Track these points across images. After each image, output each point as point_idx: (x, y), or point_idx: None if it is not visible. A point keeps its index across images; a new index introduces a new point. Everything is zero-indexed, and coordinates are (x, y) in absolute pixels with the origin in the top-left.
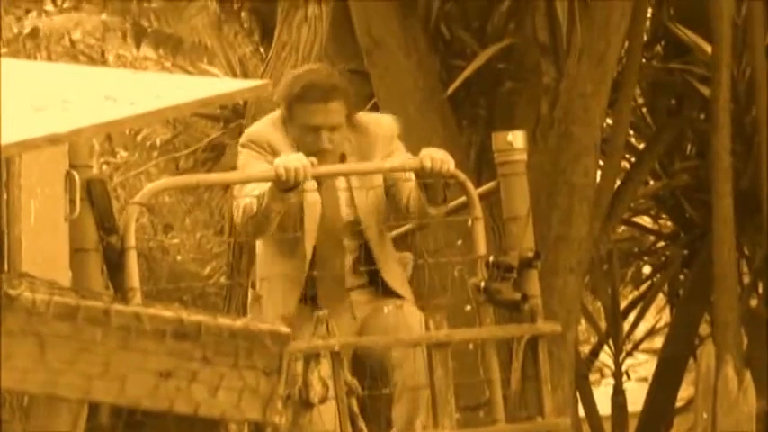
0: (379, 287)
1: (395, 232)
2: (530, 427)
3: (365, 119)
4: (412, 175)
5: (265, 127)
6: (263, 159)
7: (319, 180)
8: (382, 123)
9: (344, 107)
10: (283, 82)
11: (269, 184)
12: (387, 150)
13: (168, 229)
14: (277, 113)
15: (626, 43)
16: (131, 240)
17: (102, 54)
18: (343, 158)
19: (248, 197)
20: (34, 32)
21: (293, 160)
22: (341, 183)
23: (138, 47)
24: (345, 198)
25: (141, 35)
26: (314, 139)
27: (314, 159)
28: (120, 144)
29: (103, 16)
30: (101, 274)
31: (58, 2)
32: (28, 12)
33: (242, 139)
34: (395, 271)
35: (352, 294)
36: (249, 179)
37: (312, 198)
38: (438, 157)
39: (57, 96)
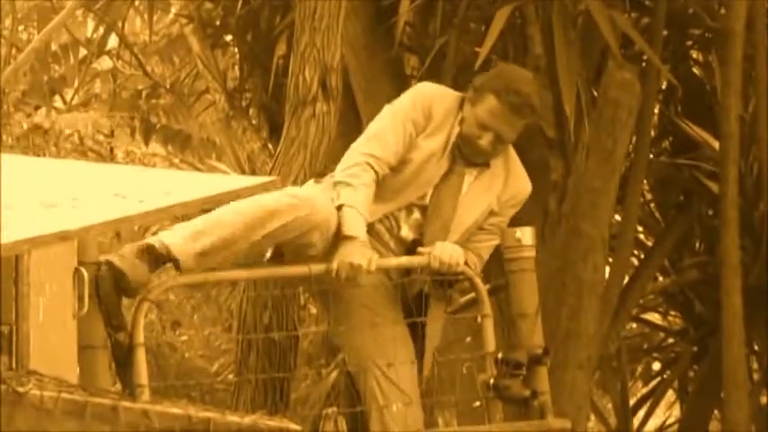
0: None
1: None
2: None
3: (517, 162)
4: None
5: (443, 92)
6: (412, 121)
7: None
8: (522, 181)
9: (523, 128)
10: (500, 71)
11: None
12: (501, 204)
13: (176, 325)
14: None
15: (633, 139)
16: (140, 337)
17: (111, 150)
18: (484, 166)
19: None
20: (43, 129)
21: (359, 256)
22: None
23: (146, 143)
24: None
25: (150, 131)
26: (482, 135)
27: (376, 256)
28: (128, 240)
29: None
30: (109, 370)
31: (68, 99)
32: (37, 108)
33: (417, 86)
34: None
35: None
36: (275, 273)
37: None
38: (446, 257)
39: (66, 193)
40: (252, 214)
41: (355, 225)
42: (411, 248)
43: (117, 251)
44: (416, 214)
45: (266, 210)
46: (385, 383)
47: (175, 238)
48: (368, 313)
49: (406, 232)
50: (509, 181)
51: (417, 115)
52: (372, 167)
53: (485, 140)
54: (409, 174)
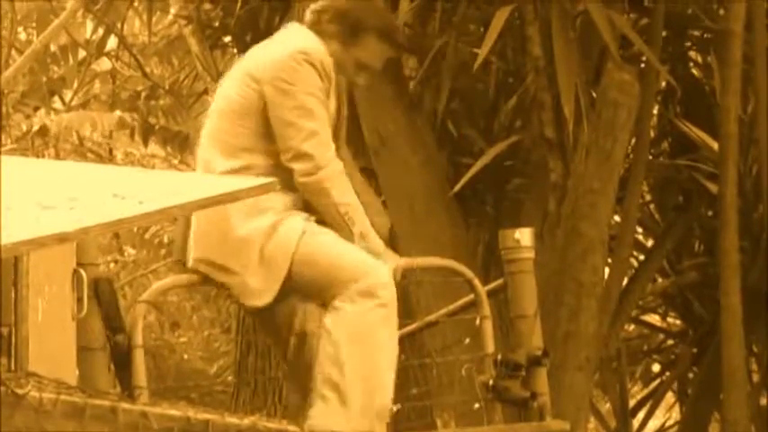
0: None
1: (403, 330)
2: None
3: None
4: None
5: (320, 47)
6: (322, 87)
7: None
8: None
9: None
10: (370, 7)
11: None
12: None
13: (175, 327)
14: (310, 32)
15: (633, 140)
16: (139, 339)
17: (111, 151)
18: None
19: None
20: (43, 130)
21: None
22: None
23: (145, 144)
24: None
25: (149, 132)
26: (360, 75)
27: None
28: (127, 242)
29: (111, 114)
30: (108, 372)
31: (67, 100)
32: (36, 110)
33: (302, 54)
34: None
35: None
36: None
37: None
38: None
39: (64, 194)
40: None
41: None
42: None
43: None
44: None
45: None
46: None
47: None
48: None
49: None
50: None
51: (322, 86)
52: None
53: (362, 79)
54: None
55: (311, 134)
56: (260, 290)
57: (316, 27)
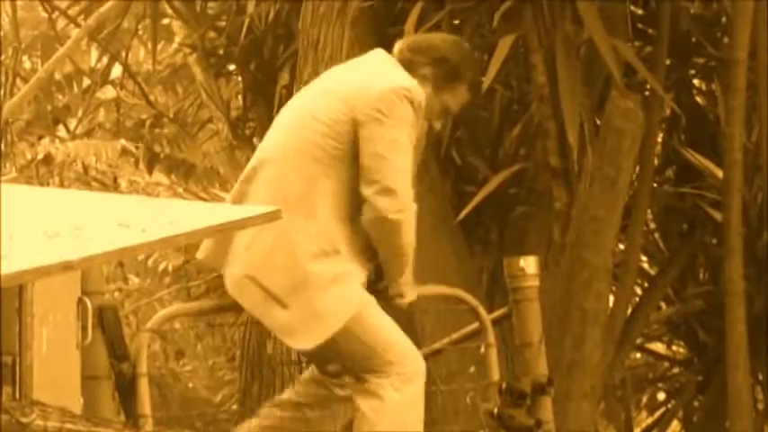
0: None
1: None
2: None
3: None
4: None
5: (420, 88)
6: (415, 128)
7: None
8: None
9: None
10: (466, 55)
11: None
12: None
13: (180, 355)
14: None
15: (637, 168)
16: (143, 367)
17: (115, 180)
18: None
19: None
20: (47, 159)
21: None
22: None
23: (150, 172)
24: None
25: (153, 161)
26: (440, 119)
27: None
28: (132, 270)
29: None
30: (112, 400)
31: (71, 128)
32: (41, 138)
33: (405, 91)
34: None
35: None
36: None
37: None
38: None
39: (69, 223)
40: None
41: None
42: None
43: None
44: None
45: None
46: None
47: None
48: None
49: None
50: None
51: (416, 126)
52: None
53: (440, 123)
54: None
55: (401, 171)
56: (305, 334)
57: (409, 65)
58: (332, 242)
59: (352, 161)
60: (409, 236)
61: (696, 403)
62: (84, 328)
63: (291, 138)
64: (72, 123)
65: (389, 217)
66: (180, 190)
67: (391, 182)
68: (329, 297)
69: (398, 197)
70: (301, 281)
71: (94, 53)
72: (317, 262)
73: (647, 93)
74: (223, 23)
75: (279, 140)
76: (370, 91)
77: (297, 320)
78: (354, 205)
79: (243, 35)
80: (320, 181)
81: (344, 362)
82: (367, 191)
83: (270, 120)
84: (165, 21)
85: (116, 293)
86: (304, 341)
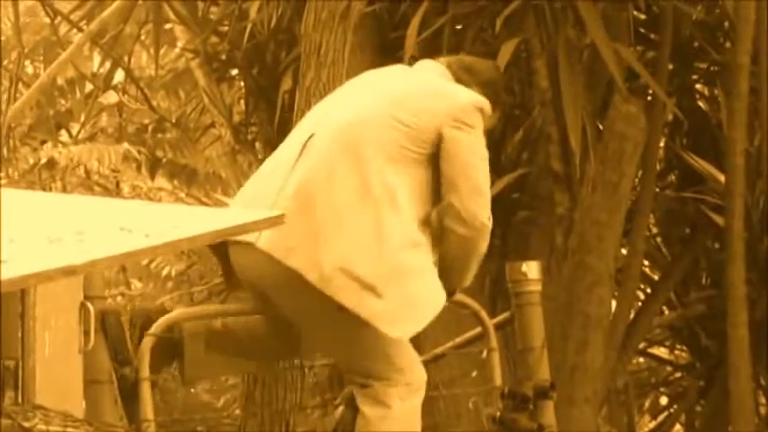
0: None
1: None
2: None
3: None
4: None
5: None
6: None
7: None
8: None
9: None
10: (503, 82)
11: None
12: None
13: None
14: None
15: (639, 172)
16: (145, 371)
17: (117, 185)
18: None
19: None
20: (50, 163)
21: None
22: None
23: (152, 177)
24: None
25: (156, 166)
26: None
27: None
28: (134, 274)
29: (118, 147)
30: (115, 405)
31: (74, 133)
32: (43, 143)
33: (481, 106)
34: None
35: None
36: None
37: None
38: None
39: (72, 228)
40: None
41: None
42: None
43: None
44: None
45: None
46: None
47: None
48: None
49: None
50: None
51: None
52: None
53: None
54: None
55: (486, 182)
56: (403, 322)
57: (458, 83)
58: (416, 236)
59: (430, 167)
60: (483, 251)
61: (698, 408)
62: (86, 333)
63: (369, 135)
64: (74, 128)
65: (479, 221)
66: (182, 195)
67: (483, 188)
68: (421, 286)
69: (486, 208)
70: (394, 270)
71: (97, 58)
72: (407, 251)
73: (649, 97)
74: (226, 28)
75: (349, 134)
76: (454, 102)
77: (393, 309)
78: (426, 210)
79: (245, 40)
80: (404, 181)
81: (358, 360)
82: (455, 197)
83: (272, 125)
84: (168, 26)
85: (119, 298)
86: (403, 329)
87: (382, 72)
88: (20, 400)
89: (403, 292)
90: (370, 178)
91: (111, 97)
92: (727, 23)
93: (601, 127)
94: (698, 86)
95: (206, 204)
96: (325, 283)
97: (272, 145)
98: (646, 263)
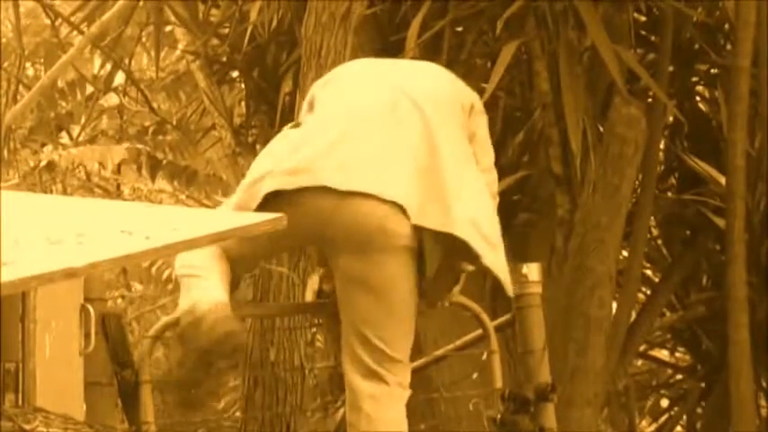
0: None
1: (411, 365)
2: None
3: None
4: None
5: None
6: None
7: None
8: None
9: None
10: None
11: None
12: None
13: None
14: None
15: (640, 175)
16: (146, 374)
17: (118, 187)
18: None
19: None
20: (50, 166)
21: None
22: None
23: (153, 179)
24: None
25: (156, 168)
26: None
27: None
28: (135, 277)
29: (119, 148)
30: (115, 408)
31: (74, 135)
32: (44, 145)
33: (480, 103)
34: None
35: None
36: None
37: None
38: None
39: (72, 230)
40: None
41: None
42: None
43: None
44: None
45: None
46: None
47: None
48: None
49: None
50: None
51: None
52: None
53: None
54: None
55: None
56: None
57: None
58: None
59: None
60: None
61: (699, 410)
62: (86, 335)
63: (434, 123)
64: (75, 130)
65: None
66: (183, 197)
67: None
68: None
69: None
70: (498, 233)
71: (97, 60)
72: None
73: (650, 100)
74: (226, 31)
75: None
76: (474, 101)
77: (506, 271)
78: None
79: (246, 42)
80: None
81: (391, 329)
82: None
83: (272, 127)
84: (169, 28)
85: (119, 300)
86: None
87: (398, 65)
88: (20, 402)
89: (503, 259)
90: (463, 141)
91: (111, 99)
92: (727, 25)
93: (601, 129)
94: (698, 88)
95: (206, 206)
96: (459, 230)
97: None
98: (646, 265)
